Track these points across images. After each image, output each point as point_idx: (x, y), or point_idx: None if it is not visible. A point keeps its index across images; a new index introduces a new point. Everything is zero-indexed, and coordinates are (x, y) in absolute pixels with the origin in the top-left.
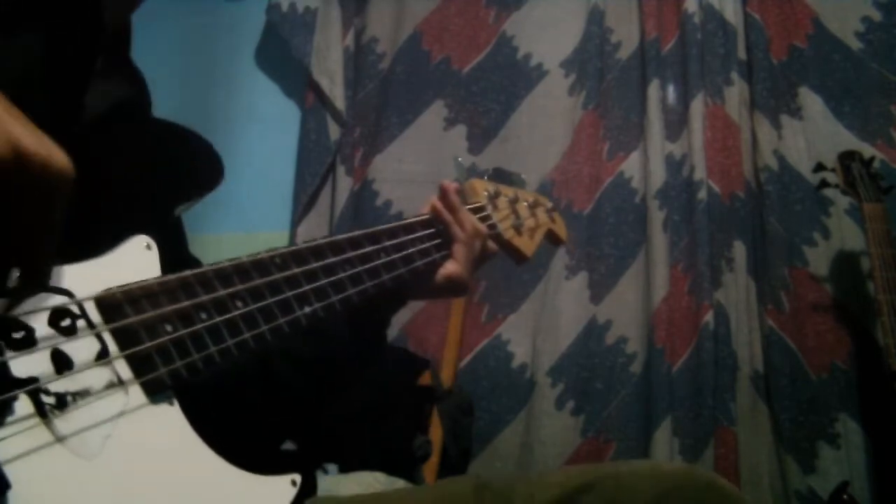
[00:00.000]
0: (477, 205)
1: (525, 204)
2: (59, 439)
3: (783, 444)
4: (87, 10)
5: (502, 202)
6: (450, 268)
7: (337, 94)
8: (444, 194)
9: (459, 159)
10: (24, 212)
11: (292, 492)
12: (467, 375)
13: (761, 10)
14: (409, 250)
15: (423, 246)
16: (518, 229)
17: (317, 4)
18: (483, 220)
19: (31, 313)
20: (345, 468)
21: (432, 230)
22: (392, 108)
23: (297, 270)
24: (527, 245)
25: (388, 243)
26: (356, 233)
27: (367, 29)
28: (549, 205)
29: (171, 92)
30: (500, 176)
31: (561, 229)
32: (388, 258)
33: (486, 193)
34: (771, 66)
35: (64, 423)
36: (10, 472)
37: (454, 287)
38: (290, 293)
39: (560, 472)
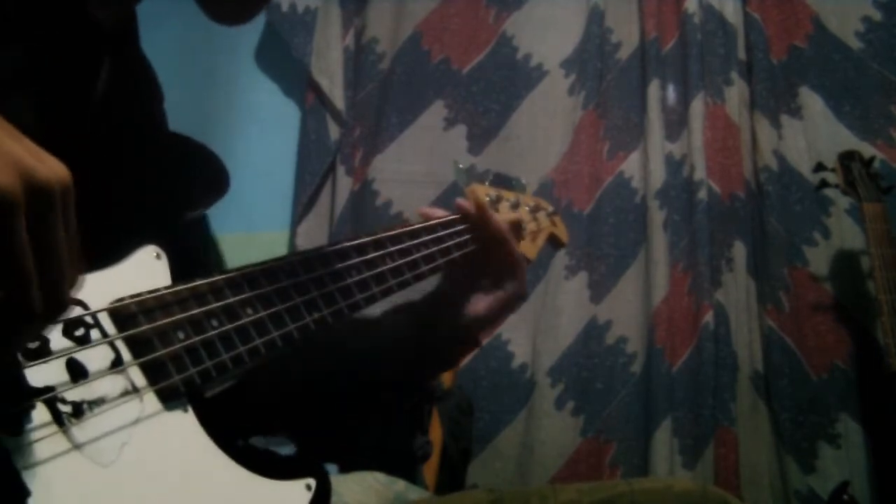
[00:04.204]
0: None
1: (526, 208)
2: (77, 447)
3: (783, 444)
4: (75, 12)
5: (503, 207)
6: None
7: (337, 94)
8: (461, 209)
9: (460, 165)
10: (41, 237)
11: (308, 496)
12: (467, 375)
13: (761, 10)
14: (433, 249)
15: (448, 244)
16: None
17: (317, 4)
18: None
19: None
20: (345, 468)
21: (455, 230)
22: (392, 108)
23: (304, 277)
24: (529, 249)
25: (400, 246)
26: (372, 237)
27: (367, 29)
28: (550, 208)
29: (171, 92)
30: (501, 180)
31: (562, 232)
32: (403, 260)
33: (487, 198)
34: (771, 66)
35: (80, 431)
36: (29, 480)
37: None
38: (298, 299)
39: (573, 487)
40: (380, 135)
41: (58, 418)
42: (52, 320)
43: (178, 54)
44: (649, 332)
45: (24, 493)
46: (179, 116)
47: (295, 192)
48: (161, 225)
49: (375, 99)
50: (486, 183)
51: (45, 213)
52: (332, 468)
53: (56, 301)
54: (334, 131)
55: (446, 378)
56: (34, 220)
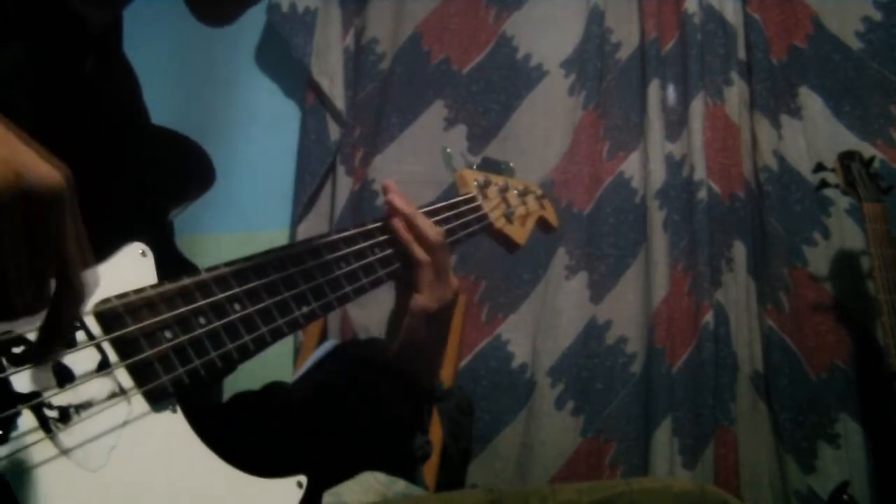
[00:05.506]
0: (468, 195)
1: (515, 192)
2: (64, 452)
3: (783, 444)
4: (67, 14)
5: (492, 191)
6: (420, 302)
7: (337, 94)
8: (392, 210)
9: (448, 150)
10: (33, 230)
11: (299, 493)
12: (467, 375)
13: (761, 11)
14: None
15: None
16: (509, 218)
17: (317, 4)
18: (474, 210)
19: (30, 328)
20: None
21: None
22: (392, 108)
23: (293, 270)
24: (518, 233)
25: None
26: (343, 234)
27: (367, 29)
28: (540, 192)
29: (171, 92)
30: (489, 165)
31: (551, 216)
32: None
33: (475, 183)
34: (771, 66)
35: (68, 436)
36: (16, 488)
37: (435, 315)
38: (287, 294)
39: (572, 487)
40: (380, 135)
41: (44, 424)
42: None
43: (178, 54)
44: (649, 332)
45: (11, 501)
46: (179, 116)
47: (295, 192)
48: (146, 221)
49: (375, 99)
50: (475, 167)
51: (39, 214)
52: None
53: (40, 300)
54: (334, 131)
55: (446, 378)
56: (28, 219)
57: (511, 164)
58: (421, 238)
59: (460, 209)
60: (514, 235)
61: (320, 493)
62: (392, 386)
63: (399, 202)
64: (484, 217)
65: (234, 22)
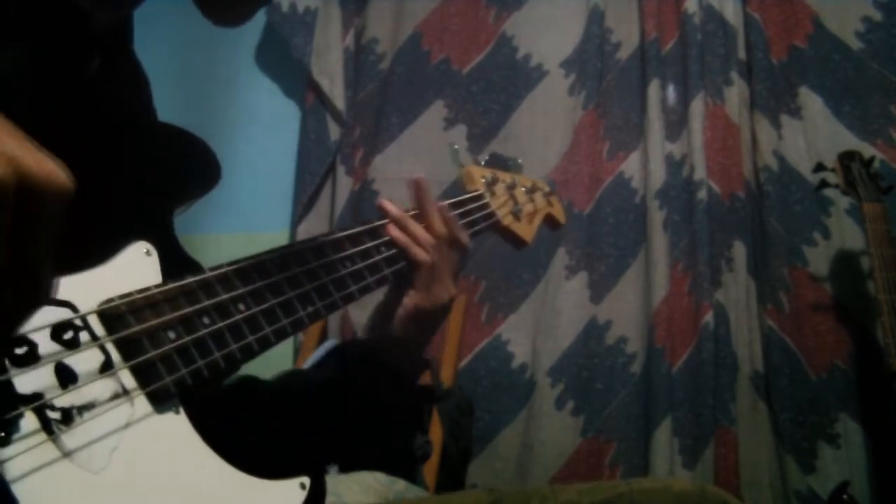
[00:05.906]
0: (475, 192)
1: (523, 189)
2: (66, 454)
3: (783, 444)
4: (73, 15)
5: (500, 188)
6: (413, 299)
7: (337, 94)
8: (385, 213)
9: (455, 146)
10: (22, 234)
11: (302, 495)
12: (467, 375)
13: (761, 10)
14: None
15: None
16: (517, 215)
17: (317, 4)
18: (481, 207)
19: (33, 328)
20: (345, 468)
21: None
22: (392, 108)
23: (297, 270)
24: (526, 230)
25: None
26: (349, 231)
27: (367, 29)
28: (547, 189)
29: (171, 92)
30: (497, 161)
31: (559, 213)
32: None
33: (483, 180)
34: (771, 66)
35: (70, 437)
36: (18, 491)
37: (426, 314)
38: (292, 293)
39: (573, 488)
40: (380, 135)
41: (47, 426)
42: (21, 318)
43: (178, 54)
44: (649, 332)
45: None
46: (179, 116)
47: (295, 192)
48: (151, 219)
49: (375, 99)
50: (482, 164)
51: (32, 213)
52: (332, 468)
53: (28, 301)
54: (334, 131)
55: (446, 378)
56: (21, 218)
57: (519, 161)
58: (418, 240)
59: (467, 207)
60: (521, 233)
61: (323, 495)
62: (392, 386)
63: (389, 207)
64: (491, 215)
65: (246, 22)
